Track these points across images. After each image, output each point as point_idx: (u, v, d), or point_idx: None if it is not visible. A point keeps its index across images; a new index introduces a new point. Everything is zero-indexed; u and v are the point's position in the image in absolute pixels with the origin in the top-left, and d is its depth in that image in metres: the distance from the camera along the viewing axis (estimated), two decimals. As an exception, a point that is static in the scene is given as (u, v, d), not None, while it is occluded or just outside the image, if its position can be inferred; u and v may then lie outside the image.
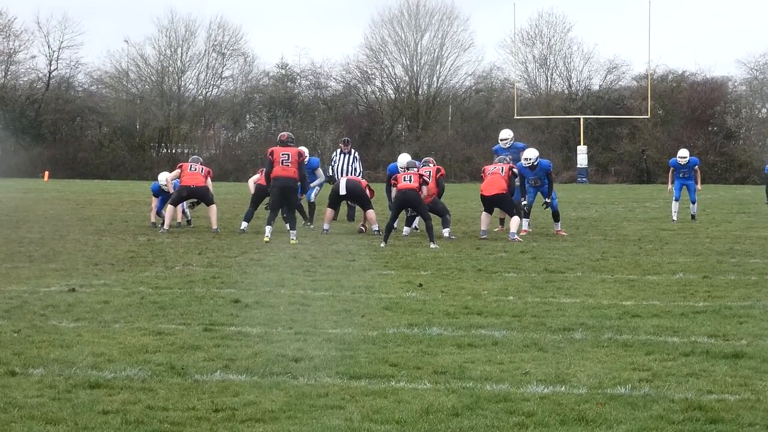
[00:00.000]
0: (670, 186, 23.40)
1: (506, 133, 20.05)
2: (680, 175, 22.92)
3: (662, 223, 22.15)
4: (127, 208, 26.48)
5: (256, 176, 19.38)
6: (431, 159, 19.54)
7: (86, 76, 65.13)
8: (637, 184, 53.91)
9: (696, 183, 22.91)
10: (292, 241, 16.74)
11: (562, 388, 6.83)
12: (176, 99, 63.71)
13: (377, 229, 18.61)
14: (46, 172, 51.75)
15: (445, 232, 17.90)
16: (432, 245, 16.33)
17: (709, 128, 59.43)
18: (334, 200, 19.24)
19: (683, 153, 23.08)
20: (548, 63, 63.58)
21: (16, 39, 63.36)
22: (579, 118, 56.93)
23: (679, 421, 6.08)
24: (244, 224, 18.84)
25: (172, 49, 63.90)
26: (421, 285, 11.82)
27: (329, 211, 19.23)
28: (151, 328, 8.93)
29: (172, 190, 19.37)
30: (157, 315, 9.63)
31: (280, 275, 12.66)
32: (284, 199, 17.10)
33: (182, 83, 64.32)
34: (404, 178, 17.28)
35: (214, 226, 18.96)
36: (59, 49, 63.75)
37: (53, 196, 32.33)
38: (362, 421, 6.05)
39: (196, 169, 19.28)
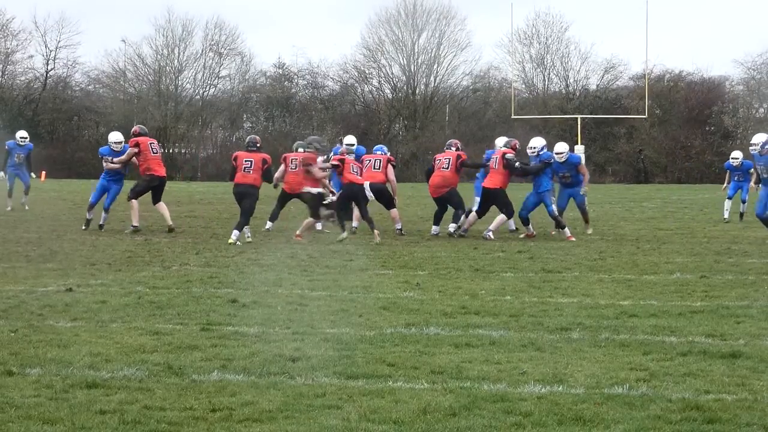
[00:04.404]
0: (726, 185, 23.55)
1: (562, 147, 19.14)
2: (736, 178, 23.16)
3: (660, 223, 22.16)
4: (124, 208, 26.34)
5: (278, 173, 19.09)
6: (455, 142, 19.22)
7: (83, 76, 65.29)
8: (635, 183, 53.96)
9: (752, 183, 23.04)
10: (230, 241, 16.52)
11: (560, 388, 6.82)
12: (173, 99, 63.72)
13: (400, 227, 18.45)
14: (43, 172, 51.61)
15: (451, 227, 17.92)
16: (343, 234, 16.55)
17: (707, 128, 59.53)
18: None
19: (736, 154, 23.31)
20: (545, 63, 63.69)
21: (13, 39, 63.50)
22: (576, 118, 56.75)
23: (676, 421, 6.08)
24: (269, 224, 18.73)
25: (169, 49, 63.96)
26: (418, 285, 11.82)
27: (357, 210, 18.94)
28: (148, 327, 8.92)
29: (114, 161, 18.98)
30: (154, 315, 9.62)
31: (278, 275, 12.65)
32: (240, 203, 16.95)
33: (179, 83, 64.41)
34: (352, 168, 17.24)
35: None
36: (56, 48, 63.90)
37: (50, 196, 32.29)
38: (359, 421, 6.05)
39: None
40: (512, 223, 19.12)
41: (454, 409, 6.31)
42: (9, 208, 24.29)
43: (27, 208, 24.54)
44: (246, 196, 16.84)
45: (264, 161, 16.99)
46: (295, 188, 17.93)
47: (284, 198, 18.83)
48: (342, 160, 17.53)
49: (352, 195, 17.26)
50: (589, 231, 19.10)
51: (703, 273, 13.10)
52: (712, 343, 8.35)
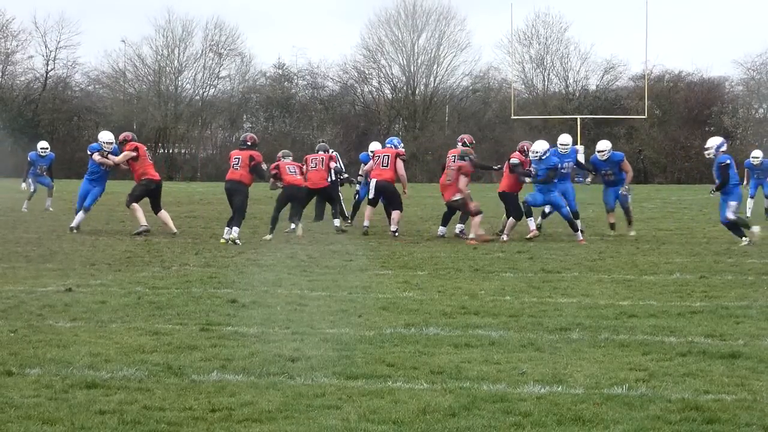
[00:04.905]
0: (746, 183, 24.18)
1: (604, 144, 19.02)
2: (755, 176, 24.05)
3: (659, 223, 22.16)
4: (124, 208, 26.41)
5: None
6: (462, 137, 18.83)
7: (83, 76, 65.24)
8: (635, 183, 53.91)
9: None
10: (224, 240, 16.69)
11: (559, 388, 6.83)
12: (173, 99, 63.71)
13: (395, 230, 18.32)
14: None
15: (457, 228, 17.98)
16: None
17: (706, 128, 59.47)
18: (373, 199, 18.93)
19: (756, 153, 24.08)
20: (545, 63, 63.67)
21: (13, 39, 63.50)
22: (576, 118, 56.95)
23: (675, 421, 6.08)
24: (292, 225, 18.78)
25: (169, 49, 63.95)
26: (418, 285, 11.81)
27: (369, 209, 18.96)
28: (148, 328, 8.92)
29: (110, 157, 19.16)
30: (154, 315, 9.62)
31: (277, 275, 12.66)
32: (230, 199, 17.06)
33: (179, 83, 64.38)
34: (288, 169, 17.48)
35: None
36: (56, 49, 63.84)
37: (50, 196, 32.27)
38: (359, 421, 6.05)
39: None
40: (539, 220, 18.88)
41: (453, 409, 6.31)
42: (24, 209, 24.32)
43: (51, 209, 24.48)
44: (234, 193, 16.97)
45: (251, 158, 17.01)
46: (318, 184, 18.82)
47: (308, 195, 19.00)
48: (278, 166, 17.65)
49: (291, 196, 17.53)
50: (632, 233, 18.78)
51: (702, 273, 13.10)
52: (711, 343, 8.36)
